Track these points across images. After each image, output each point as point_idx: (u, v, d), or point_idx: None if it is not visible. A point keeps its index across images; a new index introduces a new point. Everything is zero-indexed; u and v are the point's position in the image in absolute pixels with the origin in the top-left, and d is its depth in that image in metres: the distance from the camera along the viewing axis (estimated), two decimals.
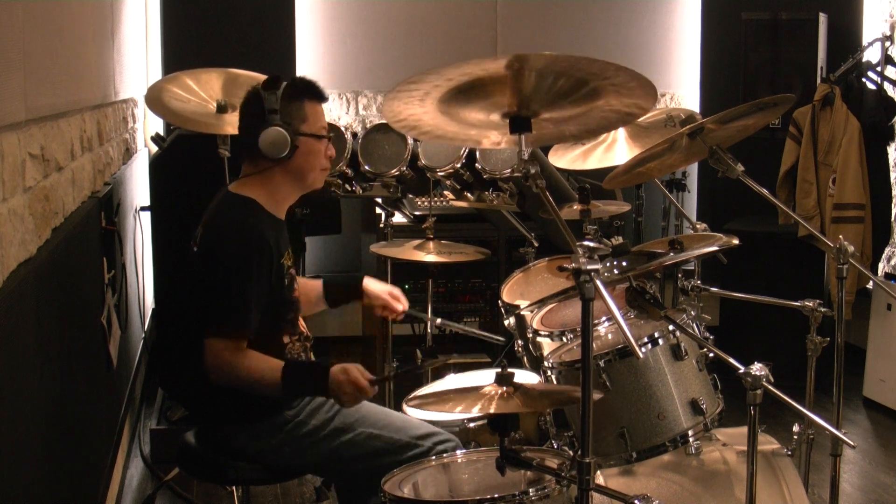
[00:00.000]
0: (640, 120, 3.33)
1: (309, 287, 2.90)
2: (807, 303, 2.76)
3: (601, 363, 2.43)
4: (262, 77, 3.47)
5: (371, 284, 2.93)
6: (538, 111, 2.09)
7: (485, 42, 5.82)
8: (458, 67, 1.93)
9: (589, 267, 1.83)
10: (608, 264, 2.23)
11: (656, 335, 2.47)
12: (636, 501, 1.96)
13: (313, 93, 2.64)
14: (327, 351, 5.32)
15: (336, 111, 5.79)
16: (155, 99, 3.36)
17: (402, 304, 2.92)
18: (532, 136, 2.12)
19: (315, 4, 5.69)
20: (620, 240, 2.74)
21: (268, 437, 2.57)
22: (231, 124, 3.31)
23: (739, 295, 3.23)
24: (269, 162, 2.56)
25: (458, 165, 3.49)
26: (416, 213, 4.70)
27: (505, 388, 2.14)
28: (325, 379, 2.47)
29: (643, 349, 2.44)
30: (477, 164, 3.45)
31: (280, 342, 2.61)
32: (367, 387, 2.48)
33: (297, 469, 2.69)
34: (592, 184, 3.27)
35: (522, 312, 2.97)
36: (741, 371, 2.16)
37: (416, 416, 2.83)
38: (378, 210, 4.16)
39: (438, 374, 3.34)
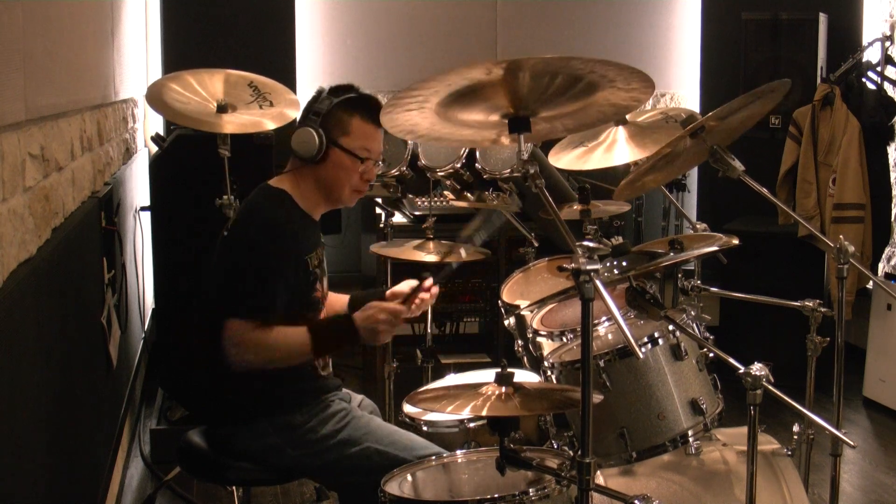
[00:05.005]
0: (639, 120, 3.34)
1: (336, 301, 2.86)
2: (807, 303, 2.75)
3: (601, 363, 2.43)
4: (263, 79, 3.48)
5: (395, 288, 2.77)
6: (536, 110, 2.09)
7: (485, 42, 5.81)
8: (449, 76, 1.93)
9: (589, 267, 1.83)
10: (608, 264, 2.22)
11: (656, 335, 2.47)
12: (636, 501, 1.96)
13: (367, 112, 2.60)
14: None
15: None
16: (156, 96, 3.36)
17: (428, 291, 2.68)
18: (532, 134, 2.12)
19: (315, 4, 5.68)
20: (620, 240, 2.73)
21: (272, 438, 2.57)
22: (231, 123, 3.31)
23: (739, 295, 3.22)
24: (299, 161, 2.60)
25: (458, 165, 3.49)
26: (416, 213, 4.70)
27: (504, 389, 2.13)
28: (352, 325, 2.48)
29: (643, 349, 2.44)
30: (477, 164, 3.45)
31: None
32: (399, 308, 2.51)
33: (297, 472, 2.69)
34: (593, 184, 3.27)
35: (522, 312, 2.97)
36: (741, 371, 2.16)
37: (415, 415, 2.83)
38: (378, 210, 4.16)
39: (438, 375, 3.34)
